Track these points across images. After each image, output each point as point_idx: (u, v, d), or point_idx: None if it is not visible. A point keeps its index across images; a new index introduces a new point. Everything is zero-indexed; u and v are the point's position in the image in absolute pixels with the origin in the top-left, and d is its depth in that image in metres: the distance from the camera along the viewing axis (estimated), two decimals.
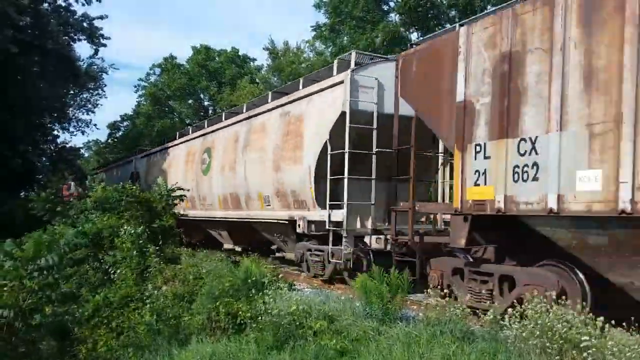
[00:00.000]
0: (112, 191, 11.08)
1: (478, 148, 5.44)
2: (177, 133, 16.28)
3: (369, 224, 7.75)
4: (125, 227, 9.54)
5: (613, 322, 3.84)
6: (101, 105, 49.69)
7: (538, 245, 5.14)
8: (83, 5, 21.58)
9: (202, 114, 36.59)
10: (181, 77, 35.73)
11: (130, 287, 7.65)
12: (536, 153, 4.82)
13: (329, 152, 7.75)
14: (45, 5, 20.33)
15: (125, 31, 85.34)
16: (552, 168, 4.61)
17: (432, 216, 7.83)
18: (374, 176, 7.58)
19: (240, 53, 36.98)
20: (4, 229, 13.75)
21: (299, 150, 8.55)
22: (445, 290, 5.35)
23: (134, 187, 11.39)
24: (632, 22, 4.06)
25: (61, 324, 5.67)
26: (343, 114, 7.54)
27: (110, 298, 7.20)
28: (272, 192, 9.45)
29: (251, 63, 37.09)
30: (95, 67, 27.39)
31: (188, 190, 12.08)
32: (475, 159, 5.45)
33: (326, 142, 7.82)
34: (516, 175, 4.98)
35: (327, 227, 7.79)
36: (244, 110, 11.18)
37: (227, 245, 12.82)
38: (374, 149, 7.49)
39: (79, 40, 22.84)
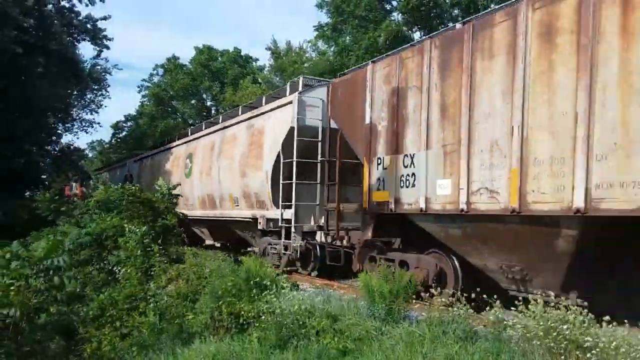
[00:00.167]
0: (114, 191, 11.14)
1: (379, 161, 7.02)
2: (166, 139, 18.33)
3: (314, 221, 9.12)
4: (129, 227, 9.60)
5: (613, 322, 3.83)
6: (105, 106, 49.90)
7: (425, 237, 6.54)
8: (87, 5, 21.69)
9: (204, 114, 36.69)
10: (184, 78, 35.84)
11: (135, 287, 7.69)
12: (413, 166, 6.39)
13: (281, 160, 9.27)
14: (50, 6, 20.45)
15: (126, 31, 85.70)
16: (422, 177, 6.22)
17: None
18: (319, 181, 8.97)
19: (242, 53, 37.07)
20: (6, 229, 13.84)
21: (259, 159, 10.15)
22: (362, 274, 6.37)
23: (136, 187, 11.46)
24: (466, 73, 5.69)
25: (66, 324, 5.71)
26: (292, 128, 9.04)
27: (114, 297, 7.24)
28: (240, 194, 11.00)
29: (253, 63, 37.15)
30: (99, 67, 27.53)
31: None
32: (377, 169, 7.00)
33: (279, 152, 9.35)
34: (402, 182, 6.56)
35: (279, 224, 9.35)
36: (220, 121, 12.83)
37: (208, 242, 14.20)
38: (319, 158, 8.97)
39: (83, 40, 22.97)
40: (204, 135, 13.43)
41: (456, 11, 20.37)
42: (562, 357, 3.62)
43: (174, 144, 15.76)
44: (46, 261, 4.73)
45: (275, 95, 10.49)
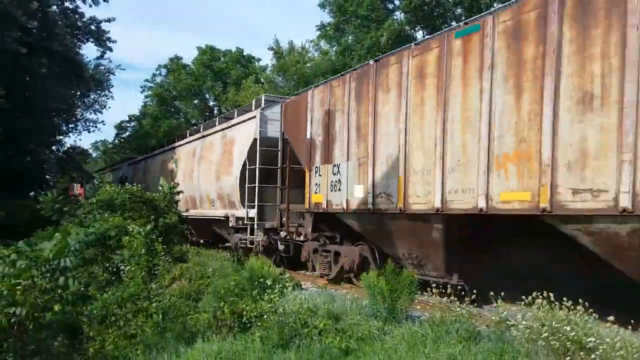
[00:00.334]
0: (117, 191, 11.20)
1: (316, 169, 8.53)
2: (156, 145, 20.19)
3: (275, 219, 10.35)
4: (133, 226, 9.65)
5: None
6: (109, 107, 50.16)
7: (354, 232, 7.99)
8: (90, 6, 21.79)
9: (207, 114, 36.77)
10: (187, 78, 35.91)
11: (138, 286, 7.72)
12: (339, 174, 7.91)
13: (247, 167, 10.82)
14: (54, 7, 20.56)
15: (129, 32, 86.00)
16: (345, 183, 7.76)
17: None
18: (279, 185, 10.16)
19: (244, 53, 37.09)
20: (8, 228, 13.91)
21: (230, 165, 11.73)
22: (308, 263, 8.74)
23: (138, 187, 11.52)
24: (372, 102, 7.22)
25: (70, 323, 5.74)
26: (255, 140, 10.62)
27: (118, 297, 7.27)
28: (216, 195, 12.57)
29: (256, 63, 37.17)
30: (102, 68, 27.64)
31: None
32: (315, 176, 8.53)
33: (245, 160, 10.90)
34: (331, 187, 8.09)
35: (245, 221, 10.87)
36: (201, 130, 14.55)
37: (193, 238, 15.14)
38: (279, 165, 10.23)
39: (87, 41, 23.09)
40: (187, 143, 15.16)
41: (459, 10, 20.30)
42: (566, 357, 3.61)
43: (163, 149, 17.56)
44: (53, 262, 4.75)
45: (246, 109, 12.20)
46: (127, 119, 39.27)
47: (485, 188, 5.46)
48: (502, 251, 6.13)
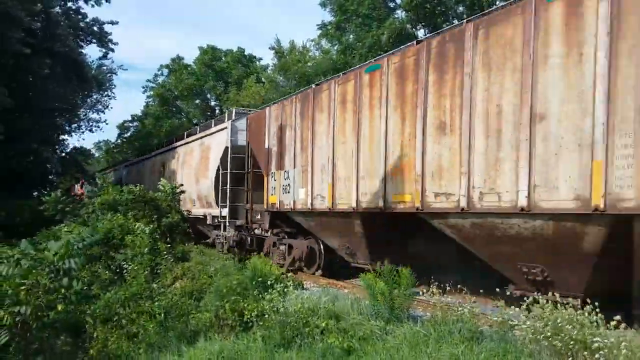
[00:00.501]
0: (119, 191, 11.24)
1: (272, 174, 10.06)
2: (147, 150, 22.22)
3: (244, 218, 11.71)
4: (136, 225, 9.68)
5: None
6: (111, 108, 50.32)
7: (303, 228, 9.36)
8: (93, 6, 21.83)
9: (209, 113, 36.79)
10: (188, 78, 35.94)
11: (141, 285, 7.74)
12: (289, 179, 9.37)
13: (220, 171, 12.26)
14: (57, 9, 20.61)
15: (132, 33, 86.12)
16: (292, 186, 9.24)
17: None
18: (247, 187, 11.55)
19: (246, 53, 37.07)
20: (10, 228, 13.95)
21: (207, 170, 13.26)
22: (269, 254, 10.14)
23: (141, 187, 11.55)
24: (310, 120, 8.67)
25: (74, 322, 5.75)
26: (227, 148, 12.12)
27: (121, 296, 7.28)
28: (196, 196, 14.01)
29: (257, 62, 37.16)
30: (105, 68, 27.70)
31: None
32: (271, 180, 10.05)
33: (219, 165, 12.42)
34: (283, 190, 9.57)
35: (219, 220, 12.38)
36: (185, 137, 16.23)
37: None
38: (246, 170, 11.66)
39: (90, 43, 23.16)
40: (172, 149, 16.90)
41: (461, 8, 20.22)
42: (570, 358, 3.59)
43: (153, 153, 19.43)
44: (58, 263, 4.76)
45: (222, 119, 13.77)
46: (129, 118, 39.43)
47: (383, 191, 7.00)
48: (410, 243, 7.68)
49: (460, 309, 4.83)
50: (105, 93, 28.72)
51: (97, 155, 45.96)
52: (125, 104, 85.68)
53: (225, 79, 35.83)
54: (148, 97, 39.49)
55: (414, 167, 6.46)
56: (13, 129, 18.38)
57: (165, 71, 38.48)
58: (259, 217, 10.85)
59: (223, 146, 12.30)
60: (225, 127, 12.40)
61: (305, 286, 8.14)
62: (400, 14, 21.44)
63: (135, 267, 8.44)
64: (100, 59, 27.08)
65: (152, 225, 9.65)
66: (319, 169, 8.46)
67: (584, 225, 4.72)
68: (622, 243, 4.48)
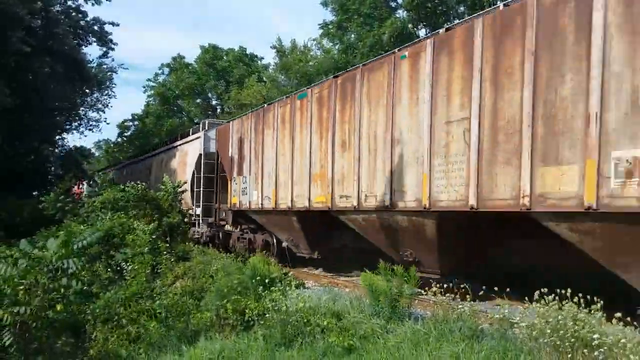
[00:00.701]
0: (120, 190, 11.25)
1: (234, 179, 11.93)
2: (139, 153, 24.10)
3: (214, 216, 13.68)
4: (137, 224, 9.69)
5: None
6: (111, 106, 50.40)
7: (260, 224, 11.17)
8: (93, 5, 21.85)
9: (210, 112, 36.79)
10: (189, 77, 35.95)
11: (142, 284, 7.74)
12: (246, 183, 11.20)
13: (195, 175, 14.25)
14: (57, 7, 20.62)
15: (133, 32, 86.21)
16: (248, 189, 11.06)
17: None
18: (215, 189, 13.54)
19: (247, 52, 37.06)
20: (12, 228, 13.97)
21: (185, 173, 15.19)
22: (235, 245, 12.07)
23: (142, 186, 11.56)
24: (261, 135, 10.49)
25: (73, 322, 5.74)
26: (200, 155, 14.15)
27: (121, 295, 7.29)
28: None
29: (259, 62, 37.15)
30: (105, 66, 27.72)
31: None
32: (234, 183, 11.92)
33: (194, 170, 14.41)
34: (242, 192, 11.37)
35: (194, 218, 14.32)
36: (168, 143, 18.65)
37: None
38: (216, 174, 13.64)
39: (89, 43, 23.18)
40: (158, 154, 19.17)
41: (462, 8, 20.20)
42: (569, 355, 3.58)
43: (142, 157, 21.70)
44: (57, 262, 4.75)
45: (197, 128, 15.63)
46: (130, 117, 39.45)
47: (308, 194, 8.88)
48: (335, 234, 9.31)
49: (460, 307, 4.83)
50: (106, 92, 28.74)
51: (97, 154, 46.02)
52: (128, 103, 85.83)
53: (226, 78, 35.84)
54: (149, 96, 39.56)
55: (327, 175, 8.42)
56: (13, 128, 18.42)
57: (167, 70, 38.52)
58: (224, 215, 12.75)
59: (197, 153, 14.32)
60: (199, 137, 14.54)
61: (306, 285, 8.16)
62: (401, 13, 21.43)
63: (136, 267, 8.45)
64: (100, 57, 27.11)
65: (152, 225, 9.65)
66: (267, 175, 10.35)
67: (423, 219, 6.62)
68: (446, 232, 6.45)
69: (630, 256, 4.67)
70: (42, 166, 22.57)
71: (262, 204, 10.42)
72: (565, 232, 5.03)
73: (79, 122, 27.02)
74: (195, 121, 36.73)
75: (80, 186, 24.50)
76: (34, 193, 21.91)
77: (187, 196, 14.20)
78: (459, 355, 4.11)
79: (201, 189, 13.72)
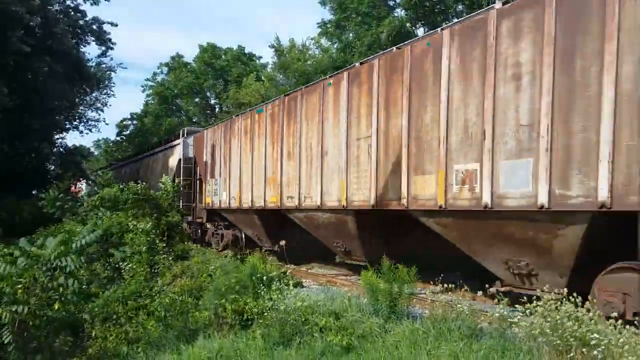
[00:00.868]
0: (119, 190, 11.21)
1: (208, 181, 13.43)
2: (130, 155, 26.34)
3: (193, 214, 15.32)
4: (135, 223, 9.66)
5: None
6: (110, 105, 50.22)
7: (230, 221, 12.78)
8: (92, 4, 21.77)
9: (208, 112, 36.70)
10: (188, 76, 35.84)
11: (140, 283, 7.72)
12: (217, 185, 12.65)
13: (176, 178, 15.66)
14: (56, 6, 20.54)
15: (130, 31, 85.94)
16: (219, 191, 12.52)
17: None
18: (193, 190, 15.15)
19: (246, 51, 36.97)
20: (13, 227, 13.93)
21: (167, 176, 16.29)
22: (210, 240, 13.73)
23: (142, 185, 11.52)
24: (229, 143, 12.21)
25: (72, 321, 5.73)
26: (180, 159, 15.86)
27: (119, 294, 7.27)
28: None
29: (257, 61, 37.06)
30: (104, 65, 27.62)
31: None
32: (208, 185, 13.41)
33: (175, 173, 16.14)
34: (214, 193, 12.89)
35: None
36: (153, 148, 20.67)
37: None
38: (193, 177, 15.14)
39: (88, 43, 23.11)
40: (143, 157, 21.21)
41: (460, 7, 20.17)
42: (568, 355, 3.59)
43: (131, 160, 23.69)
44: (55, 261, 4.73)
45: (178, 135, 17.21)
46: (128, 117, 39.34)
47: (264, 195, 10.36)
48: (288, 229, 10.35)
49: (459, 306, 4.83)
50: (105, 91, 28.66)
51: (96, 153, 45.87)
52: (129, 102, 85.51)
53: (225, 77, 35.75)
54: (147, 95, 39.45)
55: (277, 179, 9.89)
56: (13, 128, 18.35)
57: (165, 69, 38.40)
58: (201, 214, 14.25)
59: (178, 158, 16.15)
60: (179, 143, 16.35)
61: (304, 284, 8.15)
62: (399, 12, 21.40)
63: (134, 266, 8.43)
64: (99, 56, 27.04)
65: (150, 224, 9.62)
66: (233, 178, 11.86)
67: (345, 216, 8.17)
68: (362, 226, 8.00)
69: (475, 243, 6.04)
70: (41, 165, 22.49)
71: (229, 204, 12.00)
72: (433, 225, 6.52)
73: (78, 121, 26.96)
74: (194, 120, 36.66)
75: (78, 185, 24.58)
76: (33, 192, 21.84)
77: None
78: (458, 354, 4.11)
79: (180, 190, 15.34)
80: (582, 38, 4.76)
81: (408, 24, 20.39)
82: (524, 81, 5.22)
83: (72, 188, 23.28)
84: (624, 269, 4.58)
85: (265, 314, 5.66)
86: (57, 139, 24.23)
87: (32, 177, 21.31)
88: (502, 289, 5.65)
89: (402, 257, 6.55)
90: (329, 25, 23.25)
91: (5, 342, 4.39)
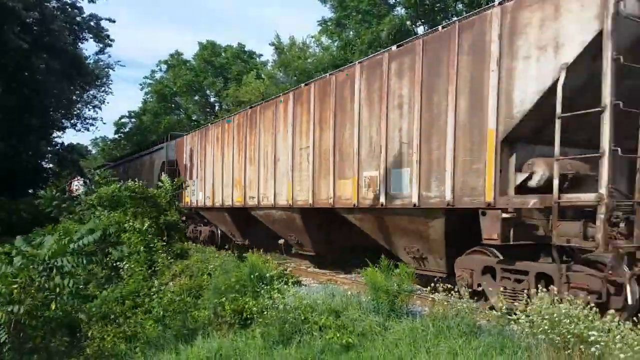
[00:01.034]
0: (117, 188, 11.17)
1: (188, 182, 14.64)
2: (118, 157, 28.33)
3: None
4: (132, 223, 9.62)
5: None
6: (108, 102, 50.12)
7: (207, 218, 14.41)
8: (89, 2, 21.71)
9: (208, 110, 36.64)
10: (187, 74, 35.73)
11: (138, 282, 7.70)
12: (194, 185, 14.45)
13: (161, 178, 16.21)
14: (53, 2, 20.46)
15: (133, 29, 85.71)
16: (196, 191, 14.35)
17: None
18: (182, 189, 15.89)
19: (246, 49, 36.88)
20: (9, 227, 13.91)
21: (152, 177, 17.95)
22: (190, 236, 14.88)
23: (139, 183, 11.49)
24: (204, 149, 14.16)
25: (69, 321, 5.71)
26: (164, 162, 17.21)
27: (117, 294, 7.25)
28: None
29: (257, 59, 36.96)
30: (102, 63, 27.56)
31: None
32: (192, 186, 14.65)
33: (159, 174, 16.80)
34: (192, 193, 14.53)
35: None
36: (140, 151, 22.33)
37: None
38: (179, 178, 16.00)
39: (86, 40, 23.03)
40: (133, 160, 22.80)
41: (460, 5, 20.12)
42: (566, 351, 3.58)
43: (121, 161, 25.37)
44: (50, 261, 4.69)
45: (162, 140, 18.94)
46: (126, 115, 39.26)
47: (232, 195, 11.95)
48: (254, 225, 11.84)
49: (459, 304, 4.82)
50: (102, 89, 28.59)
51: (93, 152, 45.80)
52: (127, 101, 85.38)
53: (224, 75, 35.65)
54: (146, 93, 39.35)
55: (242, 181, 11.48)
56: (13, 128, 18.31)
57: (164, 67, 38.29)
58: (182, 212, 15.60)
59: (162, 160, 17.56)
60: (163, 147, 17.93)
61: (304, 282, 8.15)
62: (399, 10, 21.34)
63: (132, 265, 8.41)
64: (97, 54, 26.96)
65: (147, 223, 9.60)
66: (208, 179, 13.36)
67: (292, 213, 9.70)
68: (307, 222, 9.48)
69: (383, 234, 7.60)
70: (39, 164, 22.46)
71: (205, 203, 13.53)
72: (353, 220, 8.12)
73: (75, 119, 26.91)
74: (194, 118, 36.59)
75: (75, 183, 24.65)
76: (30, 191, 21.82)
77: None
78: (457, 351, 4.10)
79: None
80: (437, 80, 6.35)
81: (408, 22, 20.35)
82: (404, 109, 6.89)
83: (68, 187, 23.29)
84: (474, 251, 6.11)
85: (265, 312, 5.65)
86: (55, 137, 24.20)
87: (29, 176, 21.28)
88: (407, 271, 6.63)
89: (342, 248, 9.10)
90: (329, 23, 23.18)
91: (1, 342, 4.37)
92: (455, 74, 6.06)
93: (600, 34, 4.70)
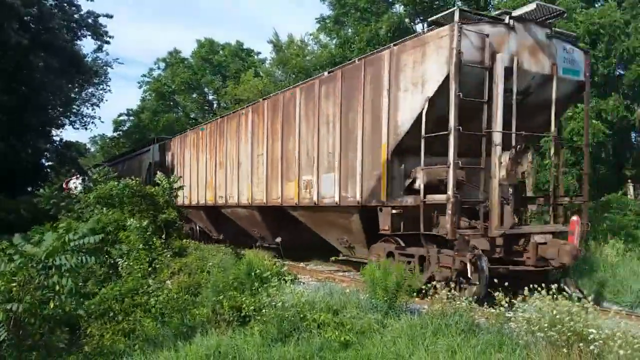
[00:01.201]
0: (115, 186, 11.12)
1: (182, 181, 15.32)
2: (111, 157, 30.23)
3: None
4: (130, 221, 9.59)
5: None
6: (106, 100, 49.86)
7: (187, 216, 15.73)
8: (88, 0, 21.59)
9: (206, 107, 36.54)
10: (185, 72, 35.60)
11: (137, 280, 7.68)
12: (183, 185, 13.64)
13: (150, 178, 17.37)
14: (51, 0, 20.35)
15: (132, 28, 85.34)
16: (183, 192, 14.77)
17: None
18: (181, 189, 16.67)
19: (244, 46, 36.74)
20: (12, 226, 13.89)
21: (141, 176, 17.80)
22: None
23: (137, 181, 11.45)
24: (182, 155, 16.91)
25: (68, 318, 5.69)
26: (150, 163, 18.66)
27: (116, 292, 7.24)
28: None
29: (255, 56, 36.84)
30: (100, 61, 27.45)
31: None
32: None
33: (146, 174, 18.63)
34: (182, 192, 14.50)
35: None
36: (132, 153, 23.79)
37: None
38: (174, 177, 16.78)
39: (84, 36, 22.91)
40: (125, 160, 24.28)
41: (459, 2, 20.07)
42: (565, 349, 3.59)
43: (114, 162, 26.65)
44: (48, 259, 4.67)
45: (151, 142, 19.96)
46: (125, 111, 39.11)
47: (205, 194, 13.87)
48: (225, 222, 13.50)
49: (458, 302, 4.83)
50: (101, 87, 28.47)
51: (92, 150, 45.67)
52: (126, 99, 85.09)
53: (222, 72, 35.53)
54: (144, 91, 39.20)
55: (213, 182, 13.39)
56: (13, 128, 18.24)
57: (162, 65, 38.13)
58: None
59: (149, 161, 18.87)
60: (150, 149, 19.21)
61: (303, 280, 8.15)
62: (398, 8, 21.28)
63: (131, 263, 8.39)
64: (95, 51, 26.82)
65: (146, 221, 9.57)
66: (187, 180, 14.71)
67: (252, 211, 11.47)
68: (266, 219, 11.23)
69: (321, 227, 9.27)
70: (38, 163, 22.39)
71: (184, 202, 15.02)
72: (298, 216, 9.77)
73: (73, 117, 26.80)
74: (192, 116, 36.51)
75: (73, 181, 24.49)
76: (29, 189, 21.75)
77: None
78: (455, 349, 4.11)
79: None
80: (352, 103, 8.09)
81: (407, 20, 20.31)
82: (330, 126, 8.63)
83: (64, 186, 23.18)
84: (384, 240, 7.68)
85: (263, 310, 5.64)
86: (53, 135, 24.11)
87: (28, 175, 21.21)
88: (341, 258, 8.95)
89: (295, 241, 10.27)
90: (327, 21, 23.12)
91: (0, 339, 4.36)
92: (362, 98, 7.78)
93: (448, 77, 6.20)
